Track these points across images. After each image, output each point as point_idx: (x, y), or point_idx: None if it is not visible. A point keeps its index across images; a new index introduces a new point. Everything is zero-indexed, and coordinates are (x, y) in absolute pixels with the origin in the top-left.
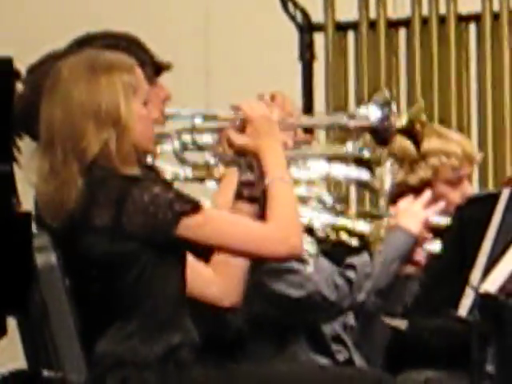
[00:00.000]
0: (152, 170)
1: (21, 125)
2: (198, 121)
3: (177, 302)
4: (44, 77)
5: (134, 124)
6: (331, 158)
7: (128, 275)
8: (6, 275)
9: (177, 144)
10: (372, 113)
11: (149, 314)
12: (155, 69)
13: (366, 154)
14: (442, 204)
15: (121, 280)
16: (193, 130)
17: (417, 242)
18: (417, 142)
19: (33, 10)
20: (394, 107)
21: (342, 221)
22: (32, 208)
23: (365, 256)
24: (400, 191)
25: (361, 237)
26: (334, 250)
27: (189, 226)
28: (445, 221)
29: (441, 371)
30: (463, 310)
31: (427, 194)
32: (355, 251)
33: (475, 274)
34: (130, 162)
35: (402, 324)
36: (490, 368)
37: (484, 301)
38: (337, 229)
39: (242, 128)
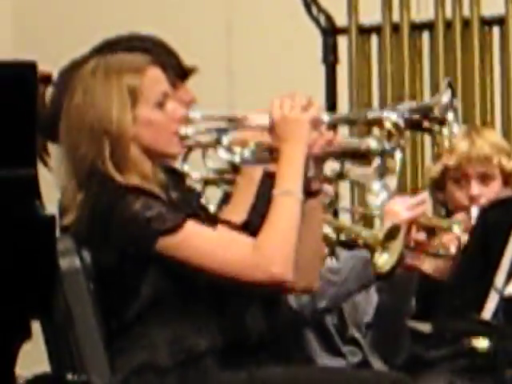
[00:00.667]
0: (176, 173)
1: (51, 128)
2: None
3: (192, 309)
4: (71, 80)
5: (133, 130)
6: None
7: (131, 285)
8: (30, 279)
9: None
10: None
11: (162, 321)
12: (181, 72)
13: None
14: (424, 207)
15: (122, 289)
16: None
17: (405, 245)
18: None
19: (68, 14)
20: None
21: (341, 223)
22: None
23: (331, 262)
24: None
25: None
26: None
27: (166, 246)
28: (437, 221)
29: (463, 375)
30: (487, 313)
31: (422, 195)
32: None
33: (499, 277)
34: (130, 169)
35: (425, 327)
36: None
37: (508, 304)
38: (337, 229)
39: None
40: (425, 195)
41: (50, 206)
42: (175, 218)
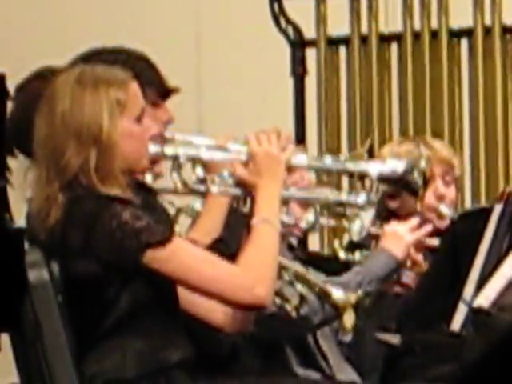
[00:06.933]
0: (147, 189)
1: (12, 142)
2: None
3: (167, 320)
4: (32, 94)
5: (119, 142)
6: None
7: (105, 296)
8: None
9: (176, 175)
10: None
11: (137, 333)
12: (163, 92)
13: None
14: (429, 227)
15: (100, 300)
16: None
17: (403, 264)
18: (414, 192)
19: (22, 27)
20: (423, 164)
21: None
22: (24, 225)
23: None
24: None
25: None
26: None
27: (154, 258)
28: (435, 242)
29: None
30: (456, 324)
31: (414, 220)
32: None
33: (468, 289)
34: (111, 181)
35: (394, 338)
36: None
37: (477, 316)
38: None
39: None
40: (416, 219)
41: (18, 219)
42: (164, 231)
